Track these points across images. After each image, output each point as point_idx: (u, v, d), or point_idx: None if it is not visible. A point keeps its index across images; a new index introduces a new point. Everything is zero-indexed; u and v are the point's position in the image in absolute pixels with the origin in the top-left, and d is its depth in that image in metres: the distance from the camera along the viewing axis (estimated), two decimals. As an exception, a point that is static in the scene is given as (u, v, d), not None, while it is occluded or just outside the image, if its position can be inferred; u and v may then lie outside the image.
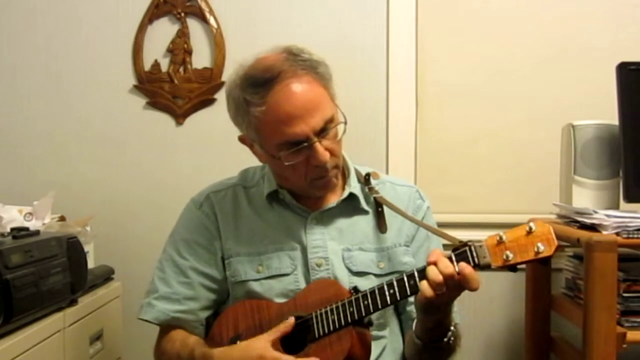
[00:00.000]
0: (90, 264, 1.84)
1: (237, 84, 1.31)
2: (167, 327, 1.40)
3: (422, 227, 1.39)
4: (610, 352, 1.51)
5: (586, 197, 1.80)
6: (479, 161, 2.19)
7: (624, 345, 1.52)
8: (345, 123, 1.31)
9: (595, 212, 1.63)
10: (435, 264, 1.15)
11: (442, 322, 1.24)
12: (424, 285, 1.15)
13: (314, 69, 1.29)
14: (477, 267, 1.15)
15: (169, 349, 1.37)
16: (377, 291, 1.22)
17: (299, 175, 1.32)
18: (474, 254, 1.15)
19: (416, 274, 1.20)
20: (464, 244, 1.18)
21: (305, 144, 1.27)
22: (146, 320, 1.40)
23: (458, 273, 1.13)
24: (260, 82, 1.26)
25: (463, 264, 1.14)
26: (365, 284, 1.33)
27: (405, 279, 1.21)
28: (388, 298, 1.21)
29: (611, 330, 1.52)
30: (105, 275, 1.91)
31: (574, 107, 2.06)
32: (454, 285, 1.14)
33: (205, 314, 1.41)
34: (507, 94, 2.17)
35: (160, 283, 1.41)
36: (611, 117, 1.76)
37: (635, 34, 2.11)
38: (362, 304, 1.23)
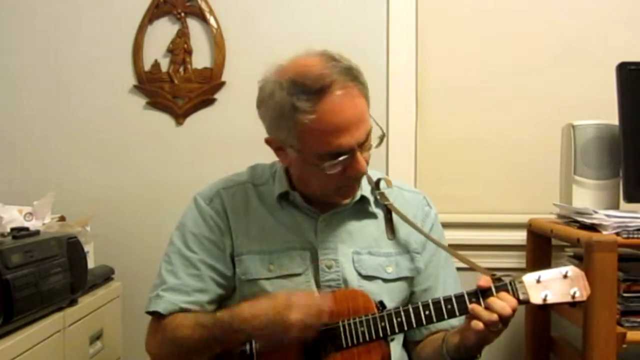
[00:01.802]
0: (90, 264, 1.84)
1: (283, 87, 1.26)
2: (169, 315, 1.35)
3: (450, 252, 1.41)
4: (610, 352, 1.51)
5: (586, 197, 1.80)
6: (479, 161, 2.19)
7: (624, 345, 1.52)
8: (384, 135, 1.32)
9: (595, 212, 1.63)
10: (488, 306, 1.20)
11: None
12: (479, 326, 1.20)
13: (358, 79, 1.29)
14: (518, 302, 1.21)
15: (183, 324, 1.30)
16: (411, 310, 1.24)
17: (328, 183, 1.31)
18: (515, 288, 1.22)
19: (454, 299, 1.23)
20: (498, 278, 1.24)
21: (347, 156, 1.26)
22: (154, 313, 1.36)
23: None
24: (312, 90, 1.23)
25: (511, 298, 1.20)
26: (374, 288, 1.34)
27: (442, 302, 1.23)
28: (423, 319, 1.24)
29: (611, 330, 1.52)
30: (105, 275, 1.91)
31: (574, 107, 2.05)
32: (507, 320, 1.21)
33: (211, 308, 1.38)
34: (507, 93, 2.17)
35: (168, 275, 1.37)
36: (611, 117, 1.76)
37: (635, 34, 2.11)
38: (395, 321, 1.24)
